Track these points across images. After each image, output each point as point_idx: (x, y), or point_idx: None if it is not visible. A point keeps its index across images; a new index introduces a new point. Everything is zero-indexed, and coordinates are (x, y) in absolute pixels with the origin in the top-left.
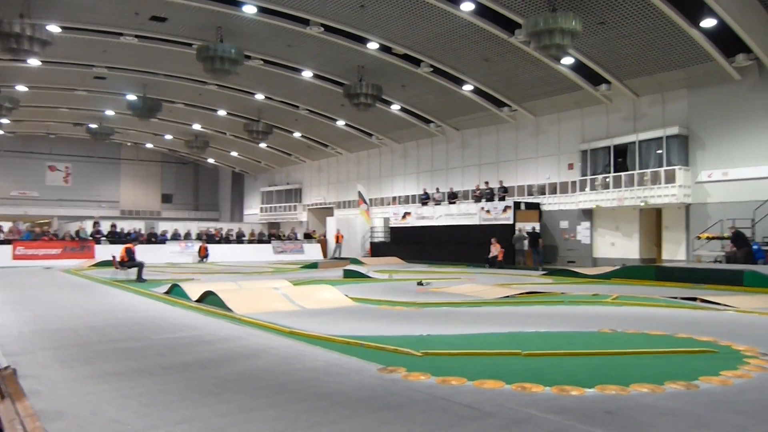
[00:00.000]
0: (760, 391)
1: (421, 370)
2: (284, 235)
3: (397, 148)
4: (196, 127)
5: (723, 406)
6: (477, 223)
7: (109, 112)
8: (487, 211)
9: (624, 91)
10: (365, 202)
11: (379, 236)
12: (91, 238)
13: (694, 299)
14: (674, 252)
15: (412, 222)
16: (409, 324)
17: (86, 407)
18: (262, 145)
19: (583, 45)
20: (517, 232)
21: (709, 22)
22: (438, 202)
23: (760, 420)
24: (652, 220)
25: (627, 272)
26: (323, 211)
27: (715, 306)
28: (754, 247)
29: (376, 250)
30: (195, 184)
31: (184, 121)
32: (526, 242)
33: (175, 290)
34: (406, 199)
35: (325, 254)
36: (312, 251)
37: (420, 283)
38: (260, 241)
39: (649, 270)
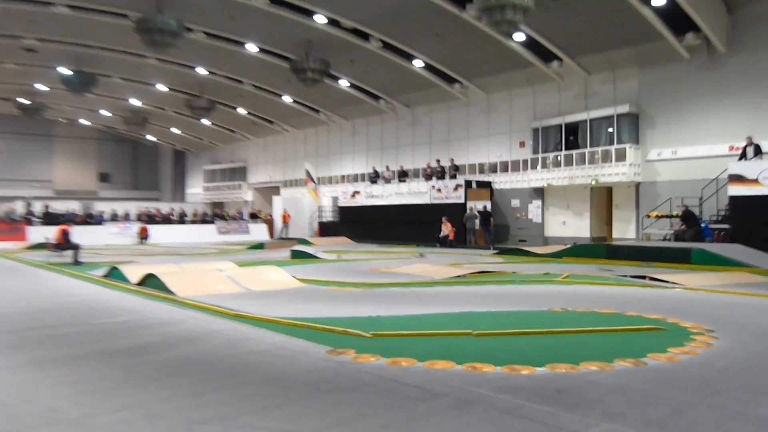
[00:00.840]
0: (705, 367)
1: (370, 352)
2: (229, 215)
3: (345, 125)
4: (135, 102)
5: (670, 382)
6: (428, 202)
7: (41, 87)
8: (438, 190)
9: (576, 69)
10: (313, 181)
11: (328, 216)
12: (22, 219)
13: (644, 277)
14: (624, 230)
15: (361, 201)
16: (359, 305)
17: (20, 396)
18: (205, 121)
19: (535, 21)
20: (468, 211)
21: (659, 1)
22: (388, 181)
23: (705, 395)
24: (603, 199)
25: (578, 251)
26: (269, 190)
27: (663, 284)
28: (702, 225)
29: (325, 230)
30: (134, 162)
31: (122, 96)
32: (477, 221)
33: (113, 273)
34: (355, 178)
35: (271, 235)
36: (258, 232)
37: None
38: (203, 222)
39: (599, 248)
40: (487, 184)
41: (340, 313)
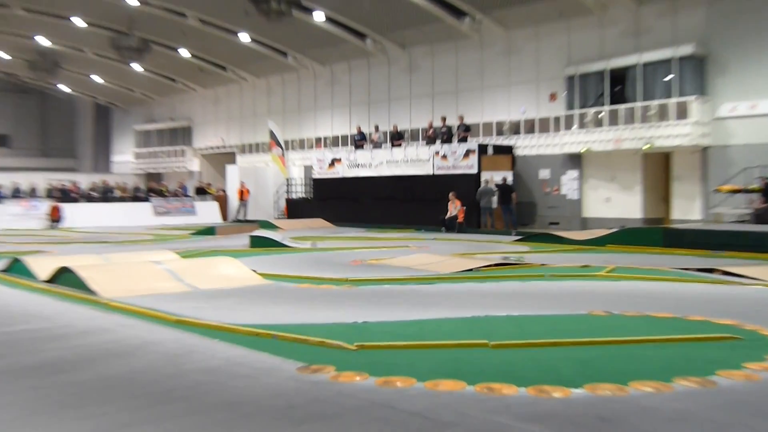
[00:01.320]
0: None
1: (355, 369)
2: (168, 191)
3: (321, 72)
4: (43, 41)
5: (746, 408)
6: (430, 172)
7: None
8: (444, 157)
9: None
10: (279, 146)
11: (299, 192)
12: None
13: (712, 271)
14: (687, 210)
15: (342, 172)
16: (340, 308)
17: None
18: (136, 67)
19: None
20: (483, 185)
21: None
22: (377, 145)
23: None
24: (659, 169)
25: (626, 236)
26: (222, 158)
27: (739, 279)
28: None
29: (295, 209)
30: (42, 120)
31: (25, 32)
32: (494, 198)
33: (15, 267)
34: (335, 141)
35: (224, 216)
36: (207, 212)
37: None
38: (135, 199)
39: (654, 233)
40: (508, 150)
41: (316, 318)
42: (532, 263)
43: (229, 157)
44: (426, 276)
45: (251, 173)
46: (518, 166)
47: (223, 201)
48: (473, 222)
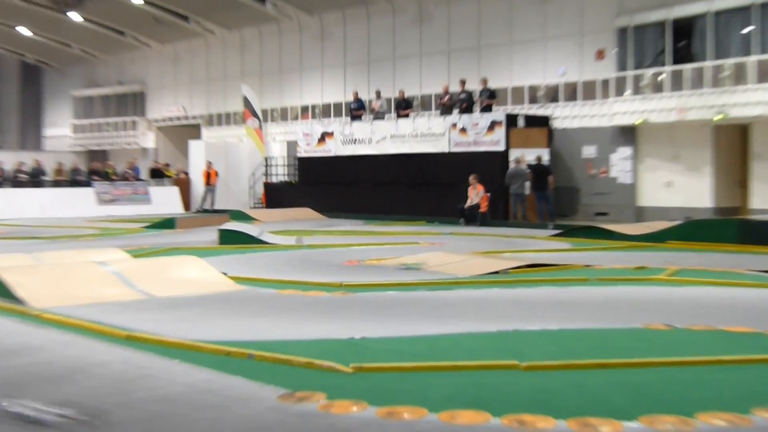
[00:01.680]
0: None
1: (351, 397)
2: (116, 173)
3: (308, 23)
4: None
5: None
6: (445, 150)
7: None
8: (463, 131)
9: None
10: (255, 116)
11: (280, 174)
12: None
13: None
14: None
15: (335, 149)
16: (332, 320)
17: None
18: (74, 16)
19: None
20: (512, 166)
21: None
22: (379, 116)
23: None
24: (735, 145)
25: (692, 230)
26: (183, 132)
27: None
28: None
29: (275, 196)
30: None
31: None
32: (527, 183)
33: None
34: (326, 111)
35: (187, 205)
36: (164, 200)
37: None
38: (74, 183)
39: (728, 226)
40: (543, 121)
41: (302, 333)
42: (573, 264)
43: (193, 131)
44: (440, 280)
45: (220, 151)
46: (556, 142)
47: (184, 186)
48: (500, 212)
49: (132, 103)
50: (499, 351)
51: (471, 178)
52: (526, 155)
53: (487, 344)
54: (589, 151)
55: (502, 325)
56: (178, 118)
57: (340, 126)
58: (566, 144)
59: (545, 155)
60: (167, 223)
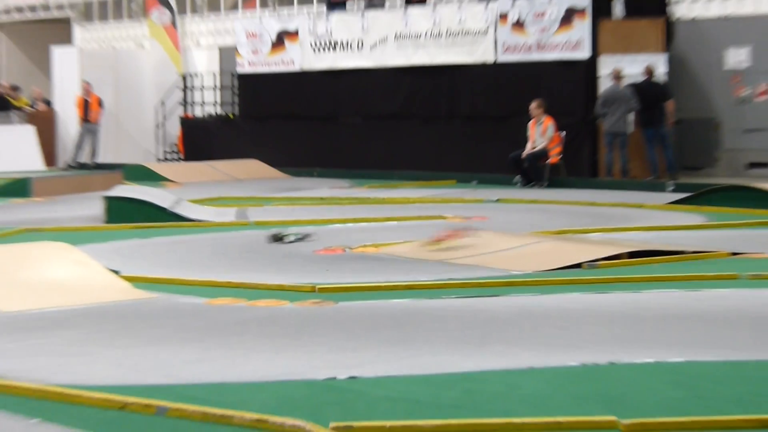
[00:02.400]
0: None
1: None
2: None
3: None
4: None
5: None
6: (489, 60)
7: None
8: (518, 25)
9: None
10: (165, 5)
11: (209, 102)
12: None
13: None
14: None
15: (300, 60)
16: (298, 348)
17: None
18: None
19: None
20: (612, 84)
21: None
22: (376, 2)
23: None
24: None
25: None
26: (42, 32)
27: None
28: None
29: (201, 141)
30: None
31: None
32: (630, 115)
33: None
34: None
35: (50, 156)
36: (11, 147)
37: (278, 238)
38: None
39: None
40: (657, 7)
41: (248, 371)
42: (711, 251)
43: (58, 31)
44: (481, 279)
45: (106, 64)
46: (680, 42)
47: (46, 124)
48: (583, 164)
49: None
50: (584, 398)
51: (533, 107)
52: (627, 67)
53: (563, 387)
54: (737, 57)
55: (586, 353)
56: (33, 9)
57: (308, 21)
58: (697, 46)
59: (661, 65)
60: (17, 188)
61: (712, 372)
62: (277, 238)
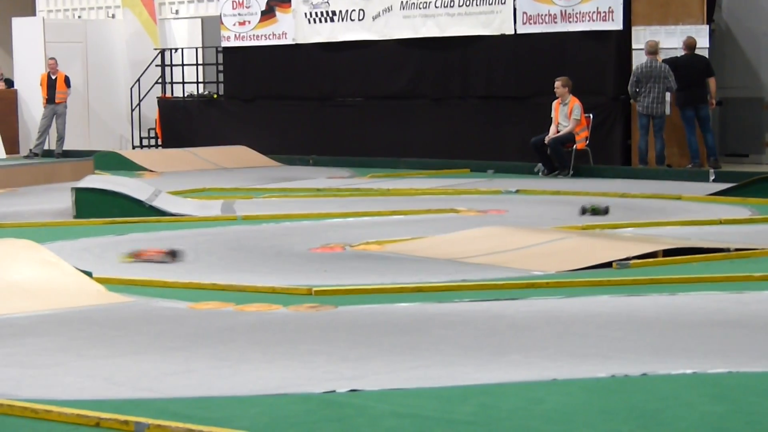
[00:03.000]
0: None
1: None
2: None
3: None
4: None
5: None
6: (508, 32)
7: None
8: None
9: None
10: None
11: (189, 81)
12: None
13: None
14: None
15: (293, 32)
16: (293, 357)
17: None
18: None
19: None
20: (646, 61)
21: None
22: None
23: None
24: None
25: None
26: (1, 0)
27: None
28: None
29: (181, 124)
30: None
31: None
32: (667, 94)
33: None
34: None
35: (12, 142)
36: None
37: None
38: None
39: None
40: None
41: (237, 384)
42: (759, 248)
43: (19, 0)
44: (498, 281)
45: (74, 37)
46: (725, 12)
47: (6, 105)
48: (614, 149)
49: None
50: (614, 414)
51: (558, 86)
52: (665, 39)
53: (590, 401)
54: None
55: (617, 364)
56: None
57: None
58: (744, 16)
59: (702, 39)
60: None
61: (757, 384)
62: (594, 211)
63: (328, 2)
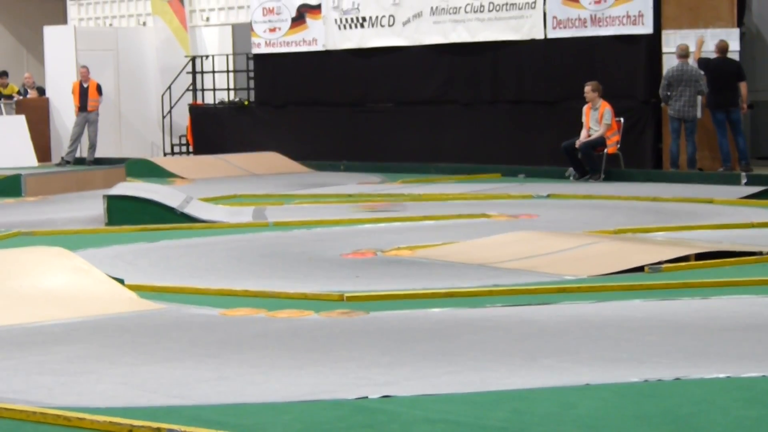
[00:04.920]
0: None
1: None
2: None
3: None
4: None
5: None
6: (538, 36)
7: None
8: None
9: None
10: None
11: (221, 88)
12: None
13: None
14: None
15: (324, 38)
16: (325, 363)
17: None
18: None
19: None
20: (677, 64)
21: None
22: None
23: None
24: None
25: None
26: (31, 10)
27: None
28: None
29: (212, 131)
30: None
31: None
32: (699, 98)
33: None
34: None
35: (45, 150)
36: (2, 139)
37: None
38: None
39: None
40: None
41: (270, 390)
42: None
43: (51, 7)
44: (529, 286)
45: (105, 45)
46: (756, 15)
47: (38, 113)
48: (645, 154)
49: None
50: (647, 419)
51: (588, 90)
52: (692, 44)
53: (623, 406)
54: None
55: (650, 368)
56: None
57: None
58: None
59: (733, 41)
60: (7, 186)
61: None
62: None
63: (358, 8)
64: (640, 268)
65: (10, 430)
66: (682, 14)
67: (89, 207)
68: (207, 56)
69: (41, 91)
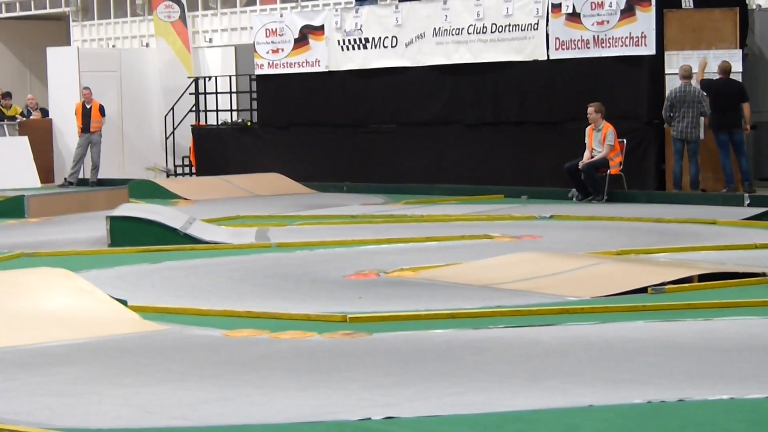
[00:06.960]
0: None
1: None
2: None
3: None
4: None
5: None
6: (541, 57)
7: None
8: (574, 17)
9: None
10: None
11: (223, 109)
12: None
13: None
14: None
15: (327, 59)
16: (328, 385)
17: None
18: None
19: None
20: (680, 86)
21: None
22: None
23: None
24: None
25: None
26: (35, 31)
27: None
28: None
29: (215, 152)
30: None
31: None
32: (701, 119)
33: None
34: None
35: (47, 171)
36: (3, 161)
37: None
38: None
39: None
40: None
41: (273, 412)
42: None
43: (55, 28)
44: (533, 307)
45: (108, 66)
46: (758, 35)
47: (41, 135)
48: (648, 175)
49: None
50: None
51: (591, 111)
52: (696, 65)
53: (626, 427)
54: None
55: (653, 390)
56: (26, 5)
57: (336, 15)
58: None
59: (736, 63)
60: (10, 207)
61: None
62: None
63: (361, 29)
64: (643, 290)
65: None
66: (684, 35)
67: (92, 228)
68: (210, 77)
69: (44, 112)
